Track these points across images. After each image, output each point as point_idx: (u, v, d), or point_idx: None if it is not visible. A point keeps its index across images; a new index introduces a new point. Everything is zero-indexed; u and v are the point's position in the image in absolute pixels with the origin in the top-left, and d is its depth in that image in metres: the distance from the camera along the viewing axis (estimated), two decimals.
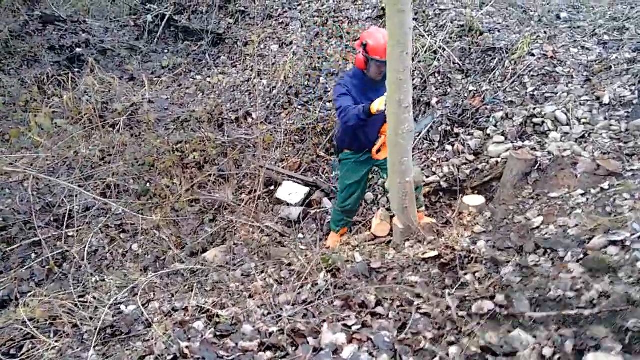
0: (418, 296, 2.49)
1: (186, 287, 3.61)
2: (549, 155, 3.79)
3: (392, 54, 2.73)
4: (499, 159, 4.13)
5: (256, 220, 4.59)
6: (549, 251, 2.63)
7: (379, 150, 3.86)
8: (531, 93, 4.68)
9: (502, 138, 4.29)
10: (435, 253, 2.96)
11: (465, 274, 2.66)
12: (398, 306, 2.40)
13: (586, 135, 3.77)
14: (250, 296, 3.15)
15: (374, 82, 3.64)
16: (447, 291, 2.40)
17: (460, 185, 4.25)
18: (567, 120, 4.05)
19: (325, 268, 3.22)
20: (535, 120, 4.23)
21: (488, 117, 4.63)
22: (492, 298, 2.23)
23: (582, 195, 3.08)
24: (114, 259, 4.38)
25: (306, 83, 6.17)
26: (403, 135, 2.92)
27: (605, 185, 3.02)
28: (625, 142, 3.50)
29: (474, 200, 3.52)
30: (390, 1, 2.65)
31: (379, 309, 2.37)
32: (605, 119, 3.83)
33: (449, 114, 4.85)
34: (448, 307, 2.25)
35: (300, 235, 4.43)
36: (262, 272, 3.83)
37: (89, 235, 4.45)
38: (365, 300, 2.49)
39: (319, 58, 6.39)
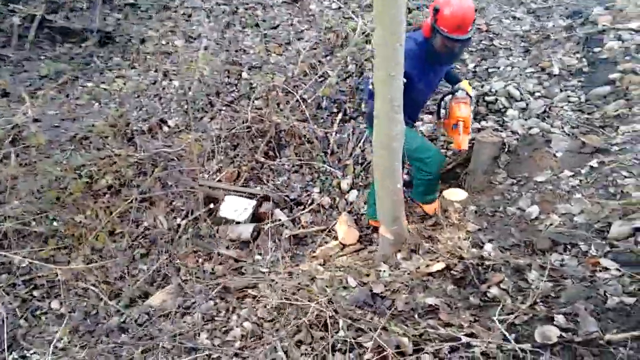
0: (459, 327, 2.10)
1: (140, 351, 2.91)
2: (515, 135, 3.62)
3: (382, 46, 2.27)
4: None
5: (203, 248, 3.93)
6: (569, 247, 2.40)
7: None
8: (473, 70, 4.51)
9: None
10: (442, 265, 2.61)
11: (489, 286, 2.33)
12: (438, 348, 1.99)
13: (547, 109, 3.64)
14: (235, 354, 2.56)
15: (439, 56, 3.03)
16: (493, 318, 2.03)
17: None
18: (520, 96, 3.91)
19: (314, 299, 2.73)
20: (487, 98, 4.05)
21: (435, 100, 4.37)
22: (550, 320, 1.91)
23: (573, 176, 2.90)
24: (30, 326, 3.47)
25: (226, 80, 5.49)
26: (395, 137, 2.49)
27: (594, 163, 2.86)
28: (589, 113, 3.41)
29: (455, 194, 3.22)
30: None
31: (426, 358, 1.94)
32: (561, 90, 3.73)
33: None
34: (505, 338, 1.89)
35: (258, 257, 3.86)
36: (230, 311, 3.23)
37: None
38: (399, 345, 2.04)
39: (236, 51, 5.73)
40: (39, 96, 6.22)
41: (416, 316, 2.33)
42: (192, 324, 3.18)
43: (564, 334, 1.78)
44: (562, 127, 3.32)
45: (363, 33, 4.99)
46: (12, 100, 6.19)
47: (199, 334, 2.99)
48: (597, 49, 3.77)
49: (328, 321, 2.43)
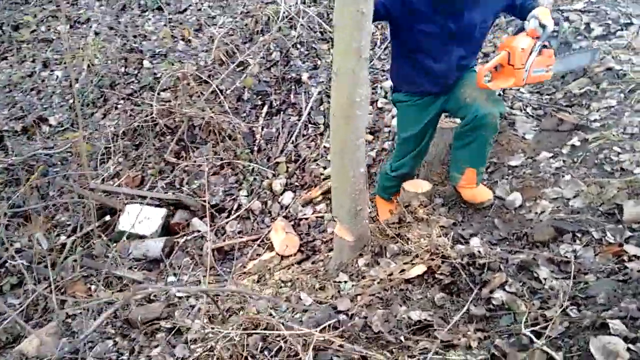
0: (468, 348, 1.54)
1: None
2: None
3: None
4: None
5: (96, 271, 3.04)
6: (577, 235, 1.96)
7: (488, 76, 2.27)
8: None
9: None
10: (423, 268, 2.05)
11: (491, 291, 1.81)
12: None
13: (501, 92, 3.30)
14: None
15: None
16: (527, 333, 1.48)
17: (368, 172, 3.42)
18: None
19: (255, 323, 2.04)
20: None
21: (374, 88, 3.91)
22: (602, 327, 1.41)
23: (553, 157, 2.53)
24: None
25: (123, 70, 4.60)
26: (360, 103, 1.90)
27: (576, 142, 2.51)
28: (549, 94, 3.12)
29: (417, 185, 2.70)
30: None
31: None
32: None
33: (327, 90, 3.99)
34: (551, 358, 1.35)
35: (172, 278, 3.05)
36: (135, 353, 2.41)
37: None
38: None
39: (134, 37, 4.86)
40: None
41: (402, 338, 1.74)
42: None
43: (632, 347, 1.28)
44: (524, 109, 2.97)
45: (286, 17, 4.41)
46: None
47: None
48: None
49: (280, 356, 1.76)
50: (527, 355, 1.35)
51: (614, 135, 2.36)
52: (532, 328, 1.49)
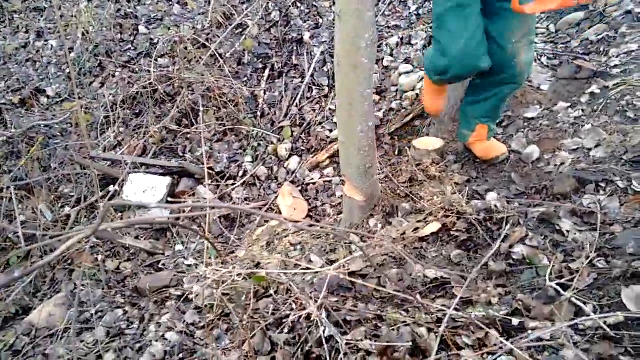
0: (488, 304, 1.47)
1: None
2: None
3: None
4: (418, 92, 3.31)
5: (103, 241, 3.00)
6: (601, 185, 1.87)
7: None
8: (416, 13, 3.96)
9: (410, 67, 3.47)
10: (438, 225, 1.98)
11: (511, 246, 1.74)
12: (478, 339, 1.34)
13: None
14: None
15: None
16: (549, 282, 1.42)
17: (376, 133, 3.32)
18: None
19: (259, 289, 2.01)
20: None
21: (379, 45, 3.76)
22: (618, 279, 1.34)
23: (571, 107, 2.42)
24: None
25: (119, 37, 4.45)
26: (366, 50, 1.79)
27: (595, 89, 2.39)
28: (565, 43, 2.97)
29: (428, 143, 2.61)
30: None
31: None
32: None
33: (330, 50, 3.84)
34: (579, 311, 1.28)
35: (180, 247, 3.01)
36: (146, 321, 2.39)
37: None
38: (416, 339, 1.36)
39: (128, 1, 4.68)
40: None
41: (418, 297, 1.68)
42: (94, 342, 2.30)
43: None
44: (539, 59, 2.83)
45: None
46: None
47: (103, 356, 2.14)
48: None
49: (292, 318, 1.71)
50: (554, 307, 1.28)
51: (636, 80, 2.23)
52: (558, 281, 1.42)
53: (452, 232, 1.89)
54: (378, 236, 2.11)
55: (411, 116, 3.25)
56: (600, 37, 2.70)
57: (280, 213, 3.06)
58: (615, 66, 2.45)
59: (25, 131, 3.84)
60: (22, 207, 3.37)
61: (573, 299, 1.27)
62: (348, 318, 1.54)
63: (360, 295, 1.77)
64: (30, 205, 3.35)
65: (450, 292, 1.63)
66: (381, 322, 1.50)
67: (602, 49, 2.63)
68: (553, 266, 1.50)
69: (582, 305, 1.25)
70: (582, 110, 2.32)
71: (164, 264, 2.87)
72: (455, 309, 1.50)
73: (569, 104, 2.41)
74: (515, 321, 1.29)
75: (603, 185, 1.81)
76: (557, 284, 1.38)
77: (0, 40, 4.94)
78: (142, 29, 4.45)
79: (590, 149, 2.07)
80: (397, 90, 3.43)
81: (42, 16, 4.94)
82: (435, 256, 1.84)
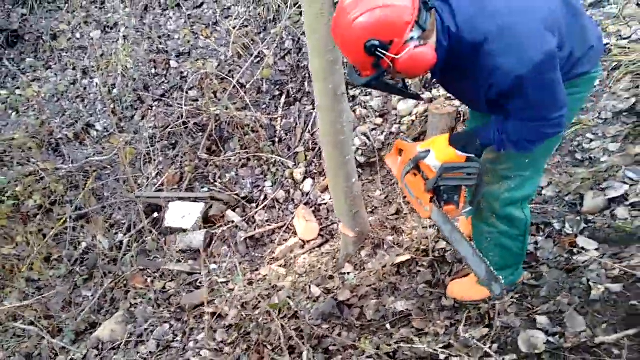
0: (435, 335, 1.91)
1: None
2: None
3: (315, 24, 1.97)
4: (413, 117, 3.67)
5: (151, 265, 3.59)
6: (541, 227, 2.23)
7: None
8: None
9: None
10: (407, 257, 2.41)
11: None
12: None
13: None
14: None
15: None
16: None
17: (378, 155, 3.72)
18: None
19: (277, 314, 2.49)
20: None
21: None
22: (533, 322, 1.73)
23: None
24: None
25: (153, 71, 5.00)
26: (343, 129, 2.22)
27: None
28: None
29: None
30: None
31: None
32: None
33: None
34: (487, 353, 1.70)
35: (214, 266, 3.56)
36: (186, 335, 2.95)
37: None
38: None
39: (159, 37, 5.21)
40: None
41: (388, 325, 2.13)
42: (147, 354, 2.89)
43: (551, 339, 1.61)
44: None
45: (296, 4, 4.60)
46: None
47: None
48: None
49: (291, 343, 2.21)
50: (470, 350, 1.70)
51: (591, 120, 2.52)
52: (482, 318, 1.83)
53: (419, 268, 2.31)
54: (367, 269, 2.56)
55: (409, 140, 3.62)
56: None
57: (296, 233, 3.55)
58: None
59: (81, 165, 4.50)
60: (84, 235, 4.02)
61: (479, 344, 1.68)
62: (330, 348, 2.01)
63: (346, 322, 2.24)
64: (90, 232, 3.99)
65: (411, 323, 2.06)
66: (354, 350, 1.95)
67: None
68: (485, 304, 1.90)
69: (488, 350, 1.66)
70: None
71: (200, 282, 3.43)
72: (411, 340, 1.95)
73: None
74: (441, 356, 1.72)
75: (543, 227, 2.16)
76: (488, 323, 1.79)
77: (52, 78, 5.63)
78: (173, 63, 4.98)
79: (542, 187, 2.40)
80: (396, 114, 3.80)
81: (86, 54, 5.56)
82: (407, 288, 2.27)
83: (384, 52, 1.45)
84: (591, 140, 2.45)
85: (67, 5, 6.20)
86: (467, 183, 1.74)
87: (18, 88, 5.62)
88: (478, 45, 1.47)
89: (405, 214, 2.77)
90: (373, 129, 3.87)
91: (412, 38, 1.45)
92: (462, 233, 1.74)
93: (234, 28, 4.79)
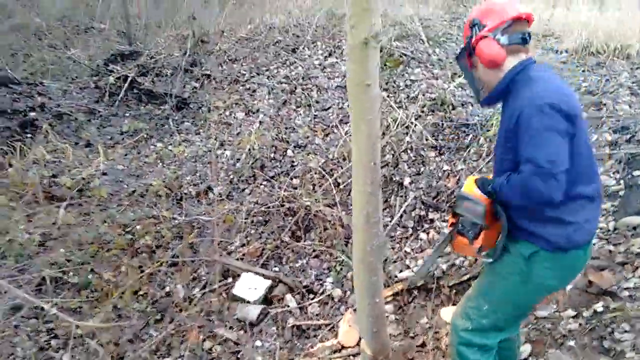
0: None
1: None
2: None
3: (358, 163, 2.36)
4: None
5: (206, 325, 4.05)
6: None
7: None
8: None
9: None
10: None
11: None
12: None
13: None
14: None
15: None
16: None
17: (436, 282, 3.80)
18: None
19: None
20: None
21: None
22: None
23: (574, 317, 2.66)
24: None
25: (272, 155, 5.77)
26: (372, 252, 2.50)
27: (599, 307, 2.61)
28: (615, 245, 3.13)
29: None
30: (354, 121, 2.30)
31: None
32: None
33: (422, 197, 4.47)
34: None
35: (258, 343, 3.88)
36: None
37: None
38: None
39: (286, 128, 6.03)
40: (114, 150, 6.95)
41: None
42: None
43: None
44: None
45: (403, 125, 5.04)
46: (93, 151, 6.96)
47: None
48: (636, 172, 3.49)
49: None
50: None
51: (633, 310, 2.41)
52: None
53: None
54: None
55: (468, 276, 3.67)
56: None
57: (337, 335, 3.74)
58: (628, 288, 2.60)
59: (191, 219, 5.29)
60: (171, 279, 4.68)
61: None
62: None
63: None
64: (176, 279, 4.64)
65: None
66: None
67: (635, 263, 2.77)
68: None
69: None
70: (579, 325, 2.54)
71: (242, 355, 3.77)
72: None
73: (575, 313, 2.64)
74: None
75: None
76: None
77: (198, 142, 6.76)
78: (289, 152, 5.71)
79: None
80: None
81: (228, 129, 6.62)
82: None
83: (477, 30, 2.00)
84: (625, 331, 2.34)
85: (229, 86, 7.51)
86: (474, 219, 2.02)
87: (171, 144, 6.86)
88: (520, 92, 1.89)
89: (429, 349, 2.83)
90: (440, 256, 3.99)
91: (497, 36, 1.96)
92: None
93: (345, 134, 5.38)
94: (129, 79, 8.04)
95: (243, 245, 4.88)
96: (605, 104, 4.66)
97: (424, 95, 5.37)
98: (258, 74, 7.32)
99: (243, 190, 5.60)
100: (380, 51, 6.23)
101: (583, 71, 5.46)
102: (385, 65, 6.19)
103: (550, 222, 1.88)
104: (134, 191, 5.91)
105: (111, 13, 12.31)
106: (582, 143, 1.85)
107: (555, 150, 1.74)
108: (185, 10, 10.41)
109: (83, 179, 5.96)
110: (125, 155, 6.92)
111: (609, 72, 5.34)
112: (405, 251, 4.15)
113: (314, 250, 4.58)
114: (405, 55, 6.16)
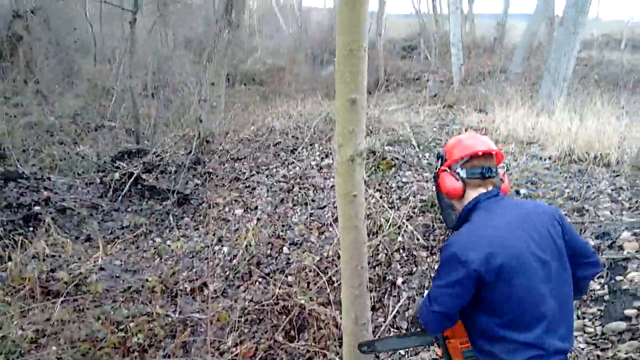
0: None
1: None
2: None
3: (346, 265, 2.52)
4: None
5: None
6: None
7: None
8: None
9: None
10: None
11: None
12: None
13: None
14: None
15: None
16: None
17: None
18: None
19: None
20: None
21: None
22: None
23: None
24: None
25: (268, 252, 5.90)
26: (359, 356, 2.56)
27: None
28: (602, 350, 3.17)
29: None
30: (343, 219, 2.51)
31: None
32: (579, 317, 3.55)
33: (415, 297, 4.53)
34: None
35: None
36: None
37: None
38: None
39: (283, 225, 6.22)
40: (113, 245, 7.08)
41: None
42: None
43: None
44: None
45: (395, 225, 5.24)
46: (92, 246, 7.09)
47: None
48: (619, 277, 3.62)
49: None
50: None
51: None
52: None
53: None
54: None
55: None
56: (626, 356, 2.89)
57: None
58: None
59: (185, 317, 5.28)
60: None
61: None
62: None
63: None
64: None
65: None
66: None
67: None
68: None
69: None
70: None
71: None
72: None
73: None
74: None
75: None
76: None
77: (196, 238, 6.91)
78: (285, 249, 5.85)
79: None
80: None
81: (226, 226, 6.81)
82: None
83: (441, 162, 2.29)
84: None
85: (229, 184, 7.84)
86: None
87: (170, 239, 7.01)
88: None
89: None
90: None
91: (456, 170, 2.20)
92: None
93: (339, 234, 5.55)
94: (134, 175, 8.40)
95: (236, 345, 4.83)
96: (587, 210, 4.90)
97: (414, 197, 5.63)
98: (258, 173, 7.68)
99: (238, 287, 5.65)
100: (374, 154, 6.61)
101: (566, 178, 5.78)
102: (378, 167, 6.54)
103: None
104: (129, 287, 5.95)
105: (122, 112, 13.09)
106: (516, 290, 1.90)
107: (440, 292, 2.00)
108: (193, 112, 11.13)
109: (80, 273, 6.03)
110: (124, 250, 7.04)
111: (590, 179, 5.65)
112: (400, 353, 4.13)
113: (307, 351, 4.54)
114: (397, 158, 6.54)
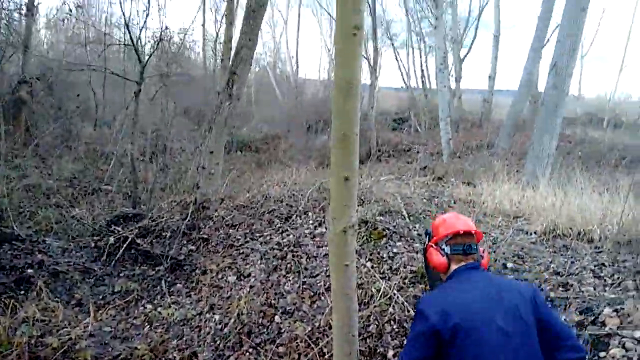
0: None
1: None
2: None
3: (337, 333, 2.65)
4: None
5: None
6: None
7: None
8: None
9: None
10: None
11: None
12: None
13: None
14: None
15: None
16: None
17: None
18: None
19: None
20: None
21: None
22: None
23: None
24: None
25: (260, 321, 5.91)
26: None
27: None
28: None
29: None
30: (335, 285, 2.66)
31: None
32: None
33: None
34: None
35: None
36: None
37: None
38: None
39: (275, 294, 6.28)
40: (104, 311, 7.04)
41: None
42: None
43: None
44: None
45: (386, 295, 5.35)
46: (83, 311, 7.05)
47: None
48: (602, 354, 3.73)
49: None
50: None
51: None
52: None
53: None
54: None
55: None
56: None
57: None
58: None
59: None
60: None
61: None
62: None
63: None
64: None
65: None
66: None
67: None
68: None
69: None
70: None
71: None
72: None
73: None
74: None
75: None
76: None
77: (188, 305, 6.91)
78: (277, 318, 5.87)
79: None
80: None
81: (219, 293, 6.84)
82: None
83: (429, 239, 2.60)
84: None
85: (223, 250, 7.93)
86: None
87: (161, 306, 6.99)
88: None
89: None
90: None
91: (442, 247, 2.51)
92: None
93: (331, 301, 5.63)
94: (129, 240, 8.48)
95: None
96: (572, 285, 5.06)
97: (405, 267, 5.77)
98: (252, 239, 7.81)
99: (228, 357, 5.61)
100: (366, 224, 6.81)
101: (551, 253, 5.97)
102: (370, 237, 6.72)
103: None
104: (118, 355, 5.89)
105: (119, 176, 13.34)
106: (471, 353, 2.07)
107: (408, 344, 2.26)
108: (190, 178, 11.40)
109: (70, 339, 5.98)
110: (114, 316, 6.99)
111: (574, 254, 5.84)
112: None
113: None
114: (388, 229, 6.74)
